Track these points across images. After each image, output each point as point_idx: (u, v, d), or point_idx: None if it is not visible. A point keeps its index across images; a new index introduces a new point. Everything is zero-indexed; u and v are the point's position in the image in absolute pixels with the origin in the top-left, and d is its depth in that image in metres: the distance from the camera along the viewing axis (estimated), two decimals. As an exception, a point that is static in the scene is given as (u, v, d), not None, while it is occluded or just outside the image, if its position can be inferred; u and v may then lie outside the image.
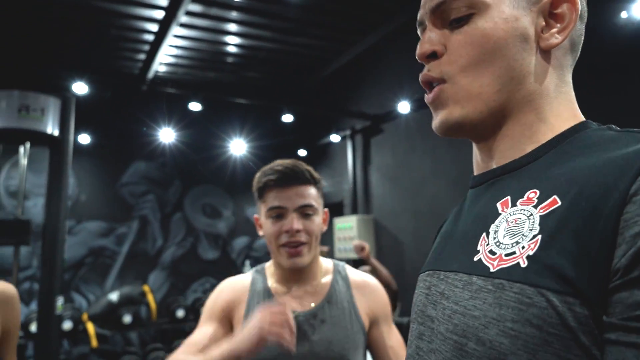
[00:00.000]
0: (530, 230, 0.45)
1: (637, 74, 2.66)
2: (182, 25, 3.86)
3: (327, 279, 1.16)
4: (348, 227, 4.84)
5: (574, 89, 0.58)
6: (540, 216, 0.45)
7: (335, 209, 5.23)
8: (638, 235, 0.37)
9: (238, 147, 5.41)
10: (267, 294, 1.13)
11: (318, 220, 1.13)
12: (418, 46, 0.58)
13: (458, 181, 3.83)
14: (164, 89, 4.61)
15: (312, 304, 1.11)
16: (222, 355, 0.90)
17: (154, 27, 3.90)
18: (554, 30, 0.54)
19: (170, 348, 4.68)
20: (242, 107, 5.32)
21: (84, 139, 4.79)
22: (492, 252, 0.48)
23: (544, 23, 0.54)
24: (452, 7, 0.55)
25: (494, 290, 0.45)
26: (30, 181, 4.42)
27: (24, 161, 2.72)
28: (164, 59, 4.52)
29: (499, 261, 0.46)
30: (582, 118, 0.56)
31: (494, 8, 0.53)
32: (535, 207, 0.47)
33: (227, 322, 1.12)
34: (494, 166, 0.57)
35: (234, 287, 1.17)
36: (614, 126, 0.52)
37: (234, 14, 3.81)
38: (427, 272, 0.61)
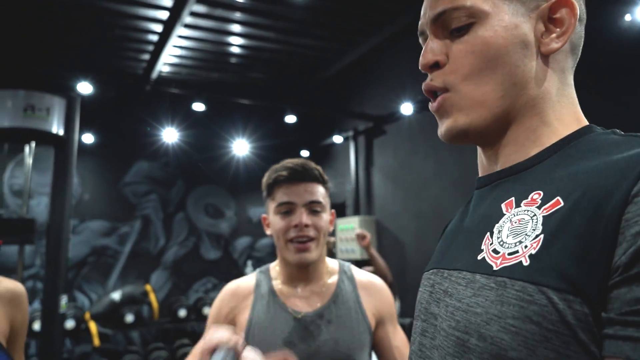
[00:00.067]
0: (534, 230, 0.46)
1: (641, 77, 2.66)
2: (187, 25, 3.88)
3: (333, 279, 1.16)
4: (350, 228, 4.84)
5: (578, 92, 0.59)
6: (544, 216, 0.46)
7: (338, 210, 5.24)
8: (639, 234, 0.38)
9: (241, 147, 5.42)
10: (272, 296, 1.12)
11: (326, 218, 1.14)
12: (421, 56, 0.59)
13: (460, 183, 3.84)
14: (168, 89, 4.63)
15: (318, 304, 1.11)
16: None
17: (159, 28, 3.92)
18: (554, 35, 0.55)
19: (172, 348, 4.69)
20: (245, 107, 5.34)
21: (88, 138, 4.81)
22: (495, 251, 0.49)
23: (543, 28, 0.55)
24: (452, 17, 0.56)
25: (496, 288, 0.46)
26: (34, 180, 4.44)
27: (29, 160, 2.74)
28: (167, 60, 4.54)
29: (502, 260, 0.47)
30: (585, 121, 0.57)
31: (494, 16, 0.54)
32: (539, 207, 0.48)
33: (232, 327, 1.12)
34: (498, 169, 0.58)
35: (238, 291, 1.16)
36: (618, 130, 0.53)
37: (237, 15, 3.82)
38: (431, 271, 0.62)
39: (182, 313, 4.72)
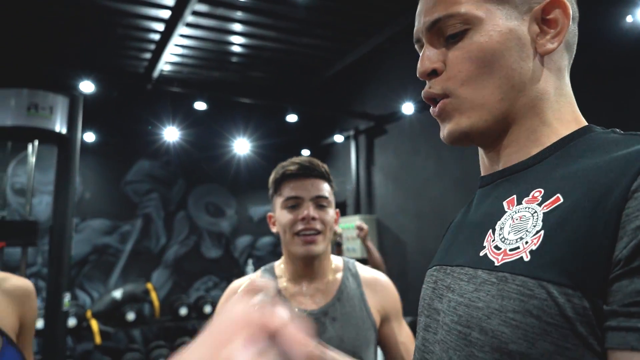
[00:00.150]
0: (534, 226, 0.47)
1: (641, 77, 2.67)
2: (188, 24, 3.89)
3: (337, 277, 1.17)
4: (351, 227, 4.85)
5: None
6: (544, 213, 0.47)
7: (339, 209, 5.24)
8: (639, 229, 0.39)
9: (242, 146, 5.43)
10: (277, 295, 1.14)
11: (332, 213, 1.16)
12: (418, 65, 0.60)
13: (461, 182, 3.85)
14: (169, 88, 4.64)
15: (323, 302, 1.12)
16: None
17: (160, 27, 3.92)
18: (549, 35, 0.56)
19: (173, 346, 4.71)
20: (247, 106, 5.35)
21: (89, 137, 4.82)
22: (497, 248, 0.50)
23: (538, 30, 0.56)
24: (447, 24, 0.57)
25: (497, 283, 0.47)
26: (35, 179, 4.45)
27: (32, 159, 2.74)
28: (169, 58, 4.55)
29: (503, 256, 0.49)
30: (583, 120, 0.58)
31: (488, 22, 0.55)
32: (540, 204, 0.49)
33: None
34: (501, 168, 0.59)
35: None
36: (617, 130, 0.54)
37: (239, 14, 3.83)
38: (434, 267, 0.63)
39: (183, 311, 4.73)
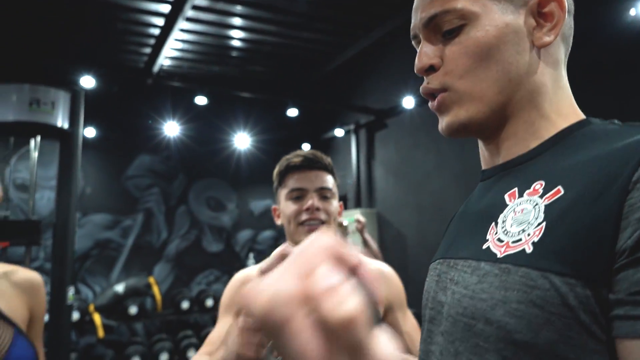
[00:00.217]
0: (536, 218, 0.48)
1: (642, 71, 2.67)
2: (188, 19, 3.88)
3: None
4: (351, 221, 4.87)
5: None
6: (545, 205, 0.48)
7: (342, 202, 5.27)
8: None
9: (242, 140, 5.44)
10: None
11: (335, 204, 1.17)
12: (416, 61, 0.60)
13: (461, 176, 3.86)
14: (169, 83, 4.63)
15: None
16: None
17: (160, 21, 3.92)
18: (545, 29, 0.56)
19: (175, 339, 4.75)
20: (247, 101, 5.34)
21: (90, 132, 4.82)
22: (500, 240, 0.51)
23: (534, 23, 0.56)
24: (444, 20, 0.57)
25: (500, 275, 0.48)
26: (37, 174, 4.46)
27: (34, 154, 2.75)
28: (169, 53, 4.54)
29: (506, 248, 0.49)
30: (581, 112, 0.58)
31: (484, 17, 0.55)
32: (541, 197, 0.50)
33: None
34: (501, 162, 0.60)
35: (245, 280, 1.19)
36: (616, 121, 0.55)
37: (239, 8, 3.82)
38: (437, 261, 0.64)
39: (185, 305, 4.77)
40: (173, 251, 5.39)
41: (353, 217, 4.85)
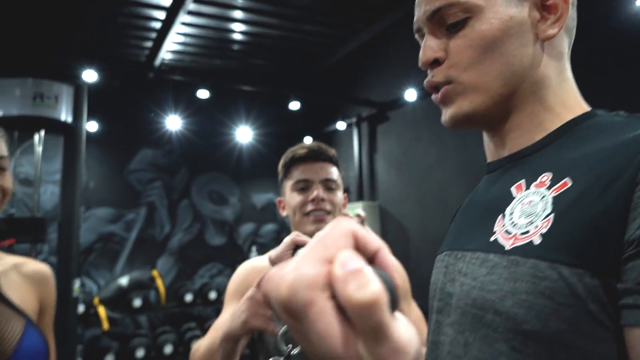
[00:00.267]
0: (544, 210, 0.49)
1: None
2: (190, 12, 3.87)
3: None
4: (353, 214, 4.89)
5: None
6: (553, 197, 0.49)
7: (347, 194, 5.28)
8: None
9: (244, 134, 5.44)
10: None
11: (340, 195, 1.18)
12: (420, 54, 0.61)
13: (464, 169, 3.86)
14: (171, 77, 4.63)
15: None
16: (222, 337, 0.88)
17: (161, 15, 3.91)
18: (549, 21, 0.57)
19: (179, 331, 4.79)
20: (249, 94, 5.33)
21: (92, 126, 4.83)
22: (507, 232, 0.52)
23: (538, 15, 0.57)
24: (448, 13, 0.57)
25: (509, 266, 0.48)
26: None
27: (39, 149, 2.76)
28: (170, 47, 4.53)
29: (514, 240, 0.50)
30: (585, 104, 0.59)
31: (488, 9, 0.56)
32: (548, 188, 0.50)
33: None
34: (506, 154, 0.60)
35: (252, 269, 1.20)
36: (621, 112, 0.55)
37: (240, 1, 3.81)
38: (444, 253, 0.64)
39: (189, 298, 4.80)
40: (176, 245, 5.41)
41: (354, 211, 4.88)
